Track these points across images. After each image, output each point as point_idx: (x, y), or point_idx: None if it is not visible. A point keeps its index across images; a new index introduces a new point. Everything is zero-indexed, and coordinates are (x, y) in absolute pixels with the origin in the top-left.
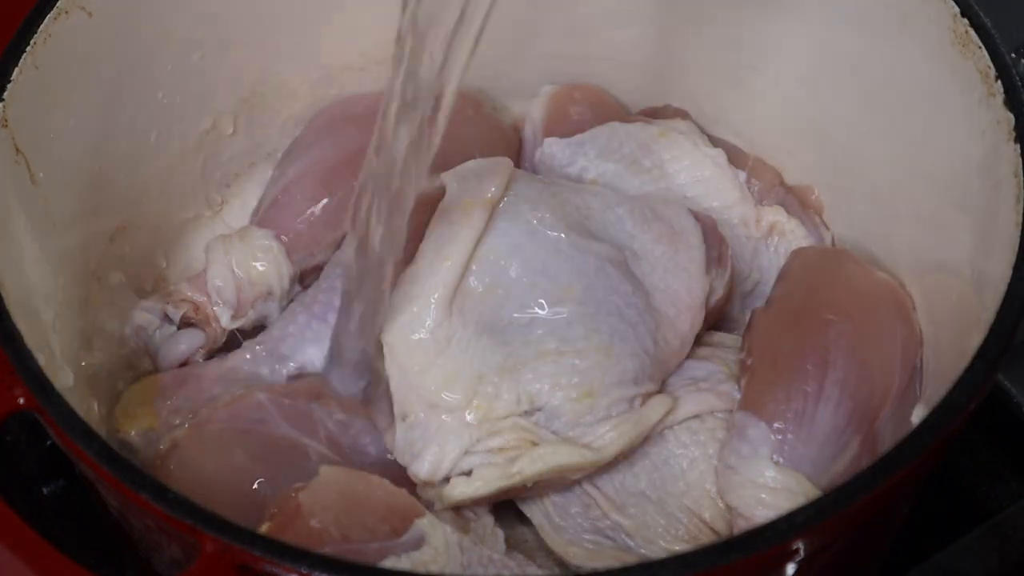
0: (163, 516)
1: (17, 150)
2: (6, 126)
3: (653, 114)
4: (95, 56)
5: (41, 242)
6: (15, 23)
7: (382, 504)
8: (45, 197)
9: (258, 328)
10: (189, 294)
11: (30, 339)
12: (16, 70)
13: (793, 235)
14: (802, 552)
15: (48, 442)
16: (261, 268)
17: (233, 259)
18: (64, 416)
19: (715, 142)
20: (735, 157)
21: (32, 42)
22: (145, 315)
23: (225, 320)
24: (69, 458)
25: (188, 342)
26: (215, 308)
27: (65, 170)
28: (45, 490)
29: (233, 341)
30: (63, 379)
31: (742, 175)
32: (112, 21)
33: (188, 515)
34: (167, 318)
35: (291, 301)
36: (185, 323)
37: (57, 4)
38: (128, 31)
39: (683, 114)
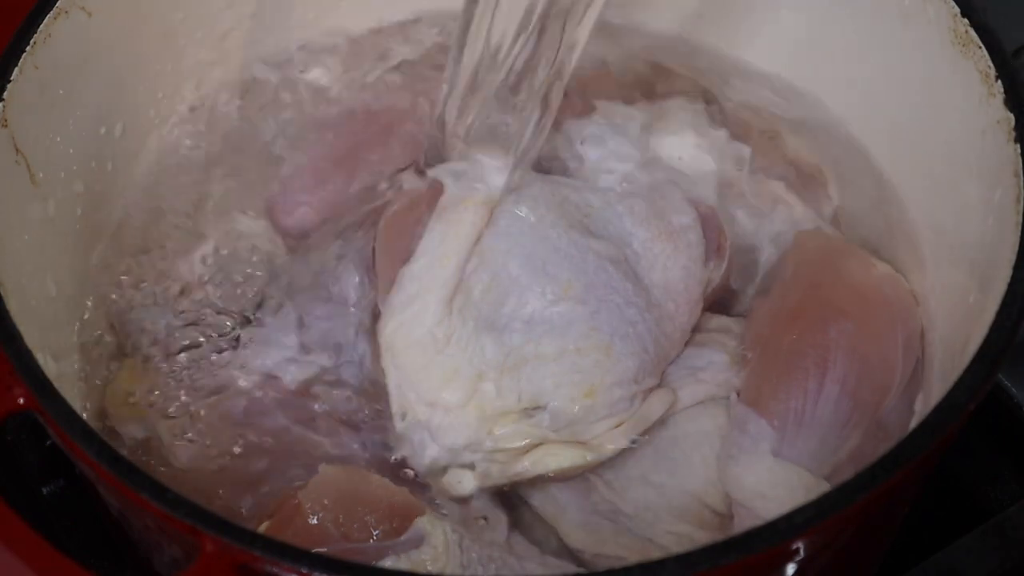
0: (163, 516)
1: (17, 150)
2: (6, 126)
3: (655, 85)
4: (95, 56)
5: (41, 242)
6: (15, 23)
7: (382, 503)
8: (45, 197)
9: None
10: (185, 279)
11: (30, 339)
12: (16, 70)
13: (796, 207)
14: (802, 552)
15: (48, 442)
16: (258, 255)
17: (230, 246)
18: (64, 416)
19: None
20: (739, 132)
21: (32, 42)
22: (140, 299)
23: (220, 304)
24: (69, 458)
25: (183, 326)
26: (210, 292)
27: (65, 170)
28: (45, 490)
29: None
30: (63, 375)
31: (746, 151)
32: (112, 21)
33: (188, 515)
34: (161, 303)
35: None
36: (180, 307)
37: (57, 4)
38: (128, 31)
39: (688, 88)
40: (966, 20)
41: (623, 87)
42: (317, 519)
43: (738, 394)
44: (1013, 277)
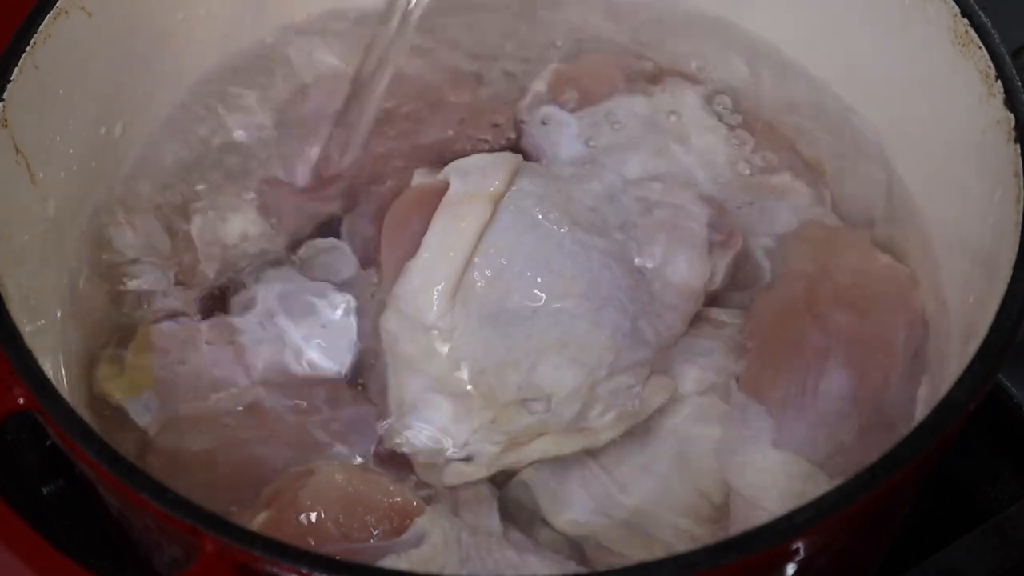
0: (163, 516)
1: (17, 150)
2: (6, 126)
3: (660, 73)
4: (95, 56)
5: (41, 242)
6: (15, 23)
7: (382, 503)
8: (45, 197)
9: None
10: (185, 273)
11: (30, 339)
12: (16, 70)
13: (800, 196)
14: (802, 552)
15: (48, 442)
16: (258, 247)
17: (229, 238)
18: (64, 416)
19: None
20: (744, 123)
21: (32, 42)
22: (136, 281)
23: (220, 295)
24: (69, 458)
25: (177, 304)
26: (210, 284)
27: (65, 170)
28: (45, 490)
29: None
30: (63, 374)
31: (750, 142)
32: (112, 21)
33: (188, 515)
34: (161, 299)
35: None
36: (180, 301)
37: (57, 4)
38: (128, 31)
39: (692, 78)
40: (966, 20)
41: (625, 77)
42: (317, 518)
43: (738, 382)
44: (1013, 277)
